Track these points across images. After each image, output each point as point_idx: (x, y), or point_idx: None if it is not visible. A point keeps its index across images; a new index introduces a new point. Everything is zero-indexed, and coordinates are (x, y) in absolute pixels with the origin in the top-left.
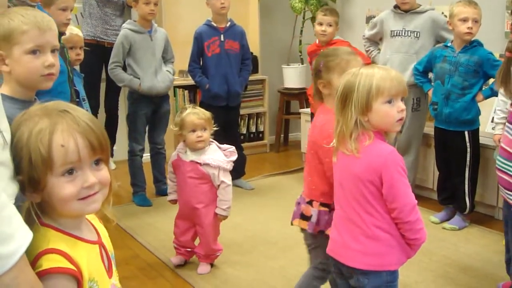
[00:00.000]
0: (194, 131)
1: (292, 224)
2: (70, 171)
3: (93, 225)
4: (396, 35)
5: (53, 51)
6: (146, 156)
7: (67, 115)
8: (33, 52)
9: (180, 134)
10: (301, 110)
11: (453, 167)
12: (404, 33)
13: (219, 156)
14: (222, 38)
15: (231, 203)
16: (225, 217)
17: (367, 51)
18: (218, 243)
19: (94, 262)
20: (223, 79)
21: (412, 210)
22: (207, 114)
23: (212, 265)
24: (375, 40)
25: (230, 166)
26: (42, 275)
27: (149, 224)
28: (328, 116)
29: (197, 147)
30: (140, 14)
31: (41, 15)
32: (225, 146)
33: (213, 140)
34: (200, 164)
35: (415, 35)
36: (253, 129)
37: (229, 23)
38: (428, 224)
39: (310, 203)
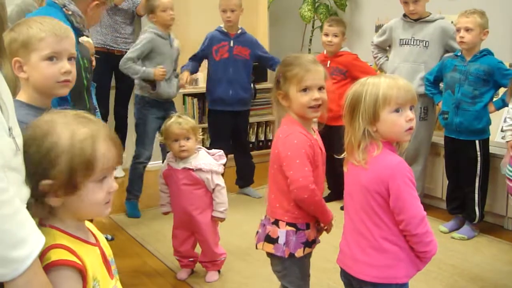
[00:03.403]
0: (176, 140)
1: (256, 248)
2: (102, 178)
3: (91, 231)
4: (405, 44)
5: (69, 58)
6: (156, 164)
7: (102, 124)
8: (50, 58)
9: (166, 144)
10: None
11: (463, 177)
12: (413, 42)
13: (210, 160)
14: (231, 44)
15: (227, 205)
16: (222, 220)
17: (375, 57)
18: (220, 247)
19: (96, 262)
20: (228, 84)
21: (420, 223)
22: (190, 123)
23: (219, 271)
24: (384, 47)
25: (221, 169)
26: (51, 266)
27: (157, 231)
28: (292, 127)
29: (181, 156)
30: (161, 22)
31: (58, 23)
32: (213, 151)
33: (201, 147)
34: (192, 170)
35: (424, 44)
36: (262, 137)
37: (240, 30)
38: (437, 234)
39: (276, 223)
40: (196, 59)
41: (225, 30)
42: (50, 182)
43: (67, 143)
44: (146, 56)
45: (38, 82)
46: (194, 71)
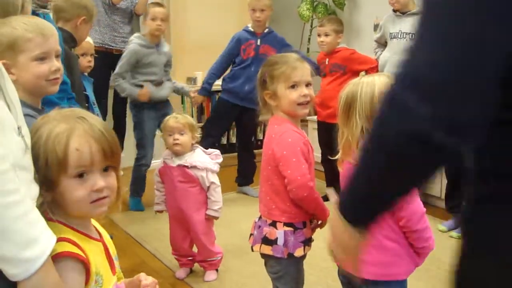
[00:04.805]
0: (171, 134)
1: (252, 250)
2: (81, 175)
3: (95, 227)
4: (394, 38)
5: (57, 56)
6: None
7: (84, 121)
8: (40, 58)
9: (163, 138)
10: (308, 118)
11: (461, 176)
12: (400, 35)
13: (205, 159)
14: (258, 42)
15: (222, 204)
16: (216, 218)
17: (375, 52)
18: (217, 246)
19: (100, 258)
20: (246, 80)
21: (420, 219)
22: (188, 119)
23: (217, 270)
24: (382, 43)
25: (217, 168)
26: (55, 258)
27: (156, 230)
28: (284, 126)
29: (175, 151)
30: (148, 30)
31: (42, 22)
32: (210, 150)
33: (198, 145)
34: (187, 167)
35: (410, 37)
36: (260, 136)
37: (267, 29)
38: (435, 232)
39: (273, 225)
40: (222, 65)
41: (252, 30)
42: (36, 176)
43: (44, 138)
44: (134, 67)
45: (28, 82)
46: (217, 78)
